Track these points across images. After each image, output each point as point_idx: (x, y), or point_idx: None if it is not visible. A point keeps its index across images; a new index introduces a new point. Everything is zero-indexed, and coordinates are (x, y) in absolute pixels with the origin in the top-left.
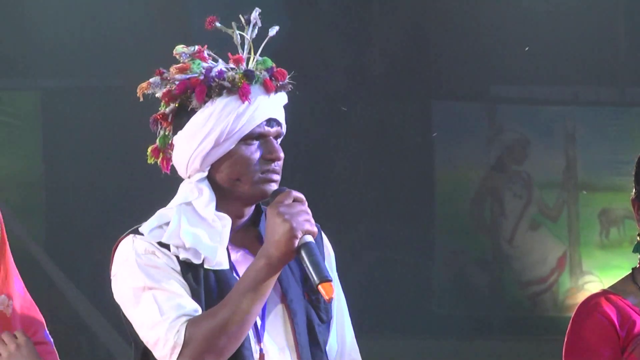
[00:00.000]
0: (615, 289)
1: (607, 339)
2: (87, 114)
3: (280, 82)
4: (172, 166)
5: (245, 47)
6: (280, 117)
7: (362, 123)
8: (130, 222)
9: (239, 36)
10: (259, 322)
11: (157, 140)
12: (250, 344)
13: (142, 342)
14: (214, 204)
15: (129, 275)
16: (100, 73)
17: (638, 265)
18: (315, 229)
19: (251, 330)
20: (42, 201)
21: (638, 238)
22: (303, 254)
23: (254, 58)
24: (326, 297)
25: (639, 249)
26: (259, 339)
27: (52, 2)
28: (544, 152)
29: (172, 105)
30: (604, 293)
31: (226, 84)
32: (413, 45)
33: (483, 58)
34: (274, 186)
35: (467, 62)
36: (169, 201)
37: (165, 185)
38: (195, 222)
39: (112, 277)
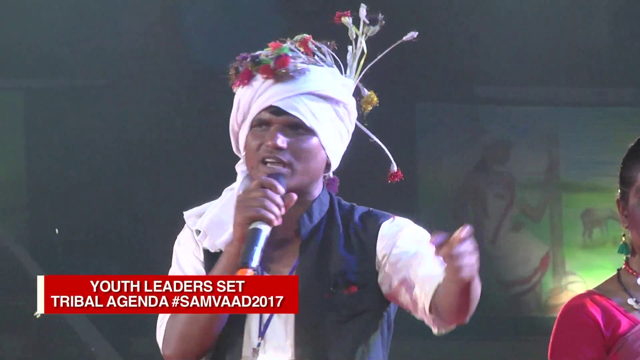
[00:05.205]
0: (600, 290)
1: (592, 339)
2: (70, 114)
3: (279, 70)
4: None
5: (358, 44)
6: (288, 106)
7: None
8: (114, 222)
9: (354, 33)
10: (265, 316)
11: None
12: (249, 336)
13: None
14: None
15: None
16: (84, 73)
17: (623, 266)
18: (265, 215)
19: (255, 322)
20: (24, 202)
21: (623, 239)
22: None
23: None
24: None
25: (624, 250)
26: (261, 333)
27: (35, 2)
28: (526, 152)
29: None
30: (589, 294)
31: (240, 69)
32: (397, 47)
33: (466, 59)
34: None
35: (450, 63)
36: (155, 199)
37: (150, 184)
38: (226, 209)
39: None
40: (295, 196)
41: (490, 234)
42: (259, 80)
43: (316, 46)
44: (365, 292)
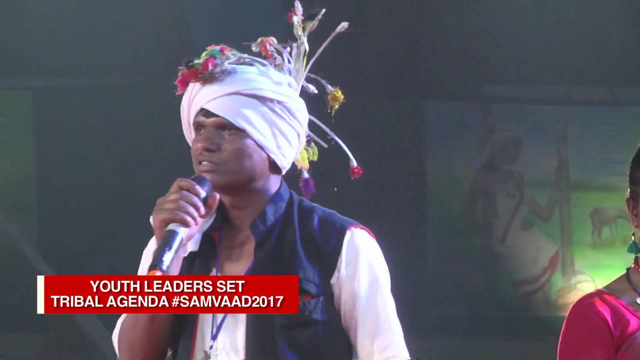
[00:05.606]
0: (609, 289)
1: (601, 338)
2: (79, 113)
3: (204, 72)
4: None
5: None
6: (215, 107)
7: (353, 123)
8: (123, 222)
9: (298, 32)
10: (218, 319)
11: None
12: (202, 338)
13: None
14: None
15: None
16: (93, 72)
17: (633, 265)
18: (178, 216)
19: (208, 324)
20: (33, 200)
21: (632, 238)
22: None
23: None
24: None
25: (634, 249)
26: (213, 335)
27: (43, 1)
28: (536, 151)
29: None
30: (598, 293)
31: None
32: (405, 44)
33: (476, 58)
34: (208, 176)
35: (459, 61)
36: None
37: (160, 183)
38: None
39: None
40: (218, 196)
41: (499, 233)
42: (191, 85)
43: (275, 48)
44: (319, 303)
